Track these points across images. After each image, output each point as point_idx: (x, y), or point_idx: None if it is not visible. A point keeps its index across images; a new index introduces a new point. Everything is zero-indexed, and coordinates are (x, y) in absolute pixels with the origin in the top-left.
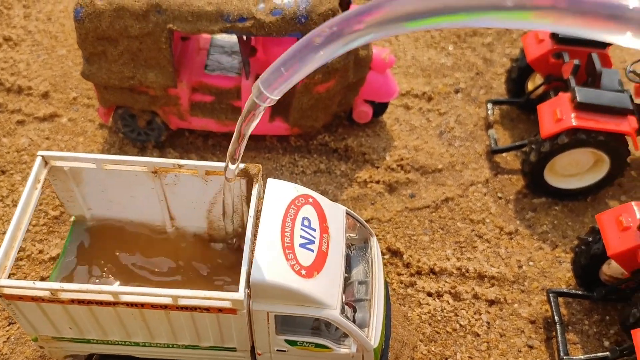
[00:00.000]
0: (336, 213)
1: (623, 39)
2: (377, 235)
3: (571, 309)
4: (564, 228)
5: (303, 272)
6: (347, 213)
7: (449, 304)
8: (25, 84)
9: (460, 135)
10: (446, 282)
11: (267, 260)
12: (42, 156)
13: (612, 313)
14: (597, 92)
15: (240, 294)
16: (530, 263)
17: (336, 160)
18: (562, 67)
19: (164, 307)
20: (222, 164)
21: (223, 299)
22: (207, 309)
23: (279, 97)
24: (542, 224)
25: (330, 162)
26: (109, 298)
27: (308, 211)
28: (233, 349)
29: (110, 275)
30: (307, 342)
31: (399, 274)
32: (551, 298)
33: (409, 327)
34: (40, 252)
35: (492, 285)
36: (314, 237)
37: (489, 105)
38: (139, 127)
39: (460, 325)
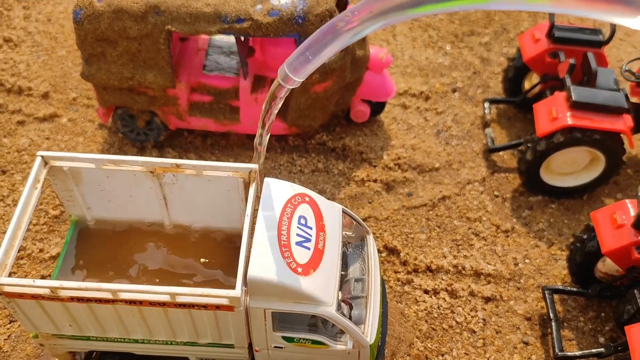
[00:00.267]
0: (332, 212)
1: (633, 22)
2: (374, 234)
3: (567, 306)
4: (559, 226)
5: (299, 269)
6: (344, 211)
7: (445, 301)
8: (26, 85)
9: (457, 134)
10: (443, 279)
11: (264, 258)
12: (42, 156)
13: (607, 310)
14: (592, 91)
15: (237, 291)
16: (526, 260)
17: (334, 159)
18: (558, 67)
19: (162, 304)
20: (220, 164)
21: (220, 296)
22: (205, 306)
23: (302, 80)
24: (538, 222)
25: (328, 161)
26: (107, 296)
27: (305, 210)
28: (231, 346)
29: (110, 274)
30: (303, 339)
31: (396, 272)
32: (546, 295)
33: (406, 324)
34: (41, 250)
35: (488, 282)
36: (311, 235)
37: (486, 104)
38: (138, 127)
39: (457, 322)
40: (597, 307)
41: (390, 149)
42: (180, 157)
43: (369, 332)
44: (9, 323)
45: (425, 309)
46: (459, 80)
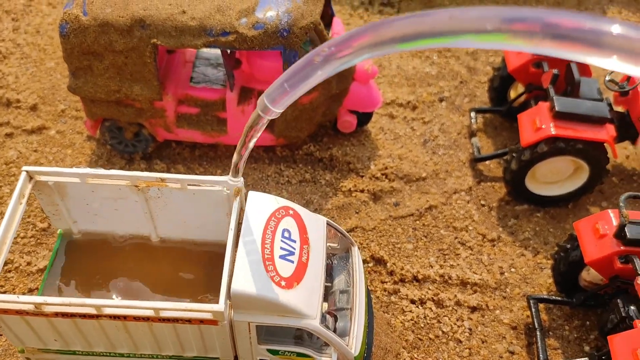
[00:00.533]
0: (317, 224)
1: (608, 62)
2: (361, 244)
3: (552, 315)
4: (545, 234)
5: (283, 283)
6: (328, 224)
7: (431, 310)
8: (14, 97)
9: (444, 143)
10: (429, 289)
11: (247, 272)
12: (27, 171)
13: (593, 318)
14: (575, 102)
15: (221, 305)
16: (512, 269)
17: (321, 169)
18: (542, 77)
19: (147, 319)
20: (204, 177)
21: (204, 310)
22: (189, 321)
23: (281, 111)
24: (524, 231)
25: (316, 171)
26: (92, 311)
27: (288, 223)
28: (217, 359)
29: (98, 288)
30: (289, 352)
31: (382, 282)
32: (532, 304)
33: (392, 334)
34: (29, 264)
35: (475, 292)
36: (294, 249)
37: (472, 114)
38: (126, 139)
39: (443, 332)
40: (583, 315)
41: (378, 158)
42: (169, 169)
43: (354, 344)
44: None
45: (411, 319)
46: (445, 89)
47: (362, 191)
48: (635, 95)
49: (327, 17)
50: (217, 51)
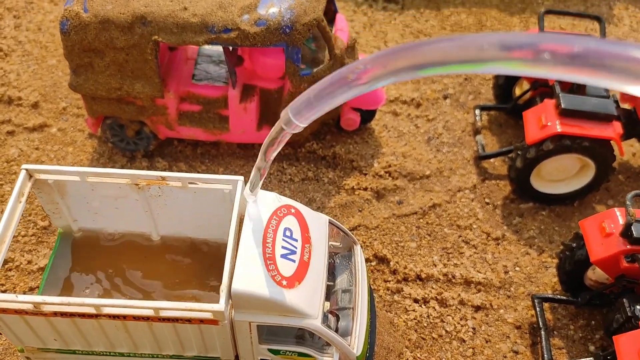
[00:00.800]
0: (319, 223)
1: None
2: (364, 243)
3: (557, 314)
4: (550, 233)
5: (284, 282)
6: (330, 222)
7: (435, 310)
8: (16, 95)
9: (448, 141)
10: (433, 288)
11: (248, 271)
12: (26, 169)
13: (598, 318)
14: (581, 99)
15: (221, 305)
16: (517, 268)
17: (324, 167)
18: None
19: (146, 318)
20: (205, 176)
21: (204, 310)
22: (189, 320)
23: (305, 126)
24: (529, 229)
25: (318, 169)
26: (91, 310)
27: (290, 222)
28: (217, 359)
29: (98, 286)
30: (290, 351)
31: (385, 281)
32: (536, 303)
33: (395, 333)
34: (29, 262)
35: (479, 291)
36: (296, 248)
37: (477, 111)
38: (128, 136)
39: (446, 332)
40: (588, 315)
41: (381, 156)
42: (170, 167)
43: (356, 344)
44: None
45: (414, 318)
46: (450, 86)
47: (365, 189)
48: None
49: (330, 13)
50: (219, 48)
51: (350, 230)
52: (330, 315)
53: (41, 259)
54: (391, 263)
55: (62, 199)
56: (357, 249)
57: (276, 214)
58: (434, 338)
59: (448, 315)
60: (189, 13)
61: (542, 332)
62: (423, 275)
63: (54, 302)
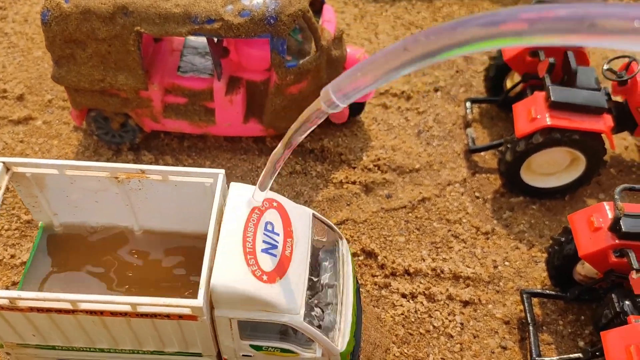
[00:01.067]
0: (302, 216)
1: None
2: (351, 237)
3: (546, 309)
4: (540, 227)
5: (264, 277)
6: (314, 216)
7: (423, 305)
8: (0, 87)
9: (439, 134)
10: (421, 283)
11: (228, 266)
12: (4, 162)
13: (587, 313)
14: (571, 91)
15: (200, 300)
16: (506, 263)
17: (312, 160)
18: (538, 65)
19: (124, 314)
20: (186, 169)
21: (182, 305)
22: (168, 316)
23: (345, 105)
24: (519, 224)
25: (306, 162)
26: (67, 306)
27: (272, 215)
28: (199, 354)
29: (79, 281)
30: (272, 347)
31: (373, 276)
32: (525, 298)
33: (382, 329)
34: (12, 256)
35: (467, 285)
36: (277, 242)
37: (468, 104)
38: (113, 129)
39: (434, 327)
40: (577, 310)
41: (370, 149)
42: (157, 160)
43: (340, 340)
44: None
45: (402, 314)
46: (441, 79)
47: (353, 183)
48: (634, 84)
49: (318, 3)
50: (205, 39)
51: (338, 225)
52: (313, 311)
53: (24, 253)
54: (379, 257)
55: (41, 192)
56: (343, 244)
57: (257, 207)
58: (421, 333)
59: (436, 310)
60: (171, 3)
61: (531, 328)
62: (411, 270)
63: (29, 297)
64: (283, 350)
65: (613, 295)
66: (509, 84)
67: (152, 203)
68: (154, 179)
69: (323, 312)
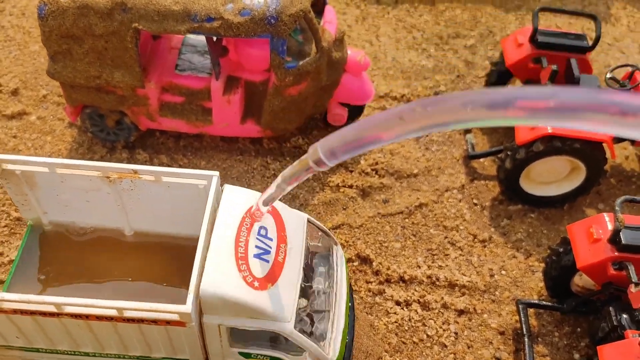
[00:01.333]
0: (297, 221)
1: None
2: (347, 242)
3: (542, 320)
4: (538, 236)
5: (256, 283)
6: (309, 221)
7: (417, 313)
8: None
9: (438, 139)
10: (415, 290)
11: (218, 272)
12: None
13: (584, 325)
14: None
15: (188, 306)
16: (503, 272)
17: None
18: (541, 73)
19: (110, 318)
20: (179, 170)
21: (170, 311)
22: (155, 321)
23: (333, 165)
24: (517, 232)
25: None
26: (52, 309)
27: (265, 220)
28: None
29: (67, 282)
30: (261, 355)
31: (367, 282)
32: (520, 309)
33: (375, 337)
34: (0, 254)
35: (463, 294)
36: (270, 247)
37: None
38: (108, 127)
39: (428, 336)
40: (573, 322)
41: (368, 153)
42: (151, 159)
43: (332, 348)
44: None
45: (395, 321)
46: (442, 83)
47: (350, 187)
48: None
49: (319, 4)
50: (204, 38)
51: (333, 229)
52: (304, 319)
53: (13, 251)
54: (374, 264)
55: (30, 190)
56: (337, 250)
57: (251, 211)
58: (414, 342)
59: (430, 318)
60: (170, 0)
61: (526, 339)
62: (406, 277)
63: (12, 299)
64: (273, 359)
65: (610, 309)
66: None
67: (144, 204)
68: (146, 179)
69: (315, 319)
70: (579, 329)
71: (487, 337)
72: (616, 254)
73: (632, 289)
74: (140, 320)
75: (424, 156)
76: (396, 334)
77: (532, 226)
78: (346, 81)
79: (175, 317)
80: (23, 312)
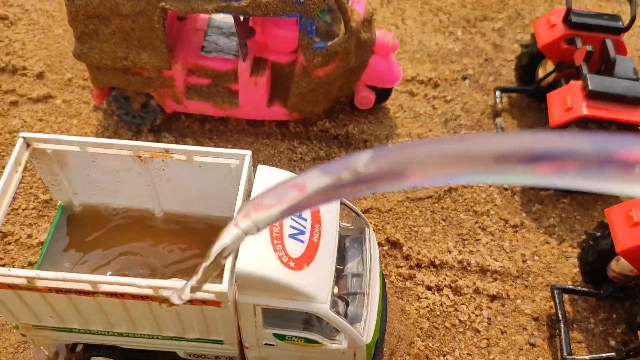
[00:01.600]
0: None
1: None
2: (376, 226)
3: (576, 307)
4: (571, 222)
5: (292, 264)
6: (342, 202)
7: (448, 298)
8: (20, 64)
9: (466, 123)
10: (447, 275)
11: (254, 251)
12: (24, 138)
13: (620, 311)
14: (610, 80)
15: (224, 286)
16: (535, 257)
17: (336, 147)
18: (575, 54)
19: (145, 297)
20: (211, 149)
21: (206, 291)
22: (191, 301)
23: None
24: (549, 217)
25: (330, 149)
26: (87, 287)
27: None
28: (220, 342)
29: (99, 263)
30: (296, 337)
31: (397, 267)
32: (555, 294)
33: (407, 321)
34: (29, 236)
35: (495, 279)
36: (305, 228)
37: (497, 93)
38: (134, 109)
39: (460, 321)
40: (609, 308)
41: (396, 137)
42: (177, 142)
43: (366, 331)
44: None
45: (427, 306)
46: (469, 67)
47: None
48: None
49: None
50: (230, 20)
51: (362, 213)
52: (339, 301)
53: (41, 233)
54: (404, 248)
55: (61, 170)
56: (369, 232)
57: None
58: (446, 327)
59: (462, 304)
60: None
61: (562, 325)
62: (437, 262)
63: (48, 277)
64: (307, 341)
65: None
66: (540, 73)
67: (176, 184)
68: (178, 159)
69: (348, 302)
70: (614, 316)
71: (520, 323)
72: None
73: None
74: None
75: None
76: (428, 319)
77: (565, 211)
78: (374, 63)
79: (211, 296)
80: (58, 290)
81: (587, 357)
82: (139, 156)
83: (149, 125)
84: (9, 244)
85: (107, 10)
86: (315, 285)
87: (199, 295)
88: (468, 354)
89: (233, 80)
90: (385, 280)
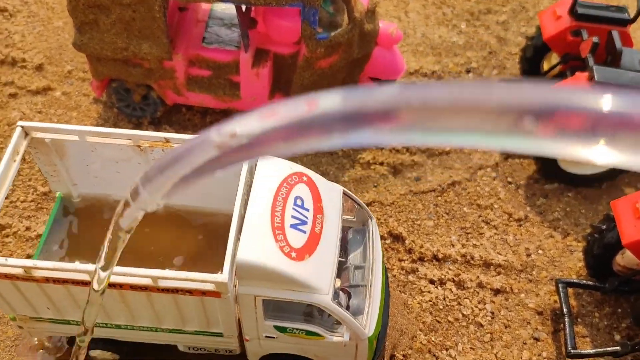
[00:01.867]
0: (332, 193)
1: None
2: (378, 219)
3: (581, 301)
4: (576, 216)
5: (293, 254)
6: (345, 193)
7: (451, 292)
8: (20, 56)
9: None
10: (450, 269)
11: (255, 241)
12: (22, 127)
13: (625, 305)
14: (616, 72)
15: (224, 276)
16: (540, 251)
17: None
18: (580, 45)
19: (144, 288)
20: None
21: (206, 280)
22: (190, 292)
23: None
24: (554, 211)
25: None
26: (85, 277)
27: (301, 190)
28: (219, 334)
29: (96, 255)
30: (297, 329)
31: (400, 260)
32: (560, 288)
33: (409, 315)
34: (27, 229)
35: (498, 273)
36: (307, 218)
37: None
38: (134, 101)
39: (463, 315)
40: (614, 302)
41: None
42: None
43: (368, 324)
44: None
45: (430, 300)
46: (473, 60)
47: (381, 164)
48: None
49: None
50: (232, 11)
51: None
52: (341, 293)
53: (40, 225)
54: (407, 241)
55: (60, 160)
56: (372, 224)
57: (287, 181)
58: (449, 321)
59: (465, 298)
60: None
61: (566, 319)
62: (440, 256)
63: (45, 267)
64: (309, 333)
65: None
66: (545, 65)
67: None
68: None
69: (350, 294)
70: (619, 310)
71: (524, 317)
72: None
73: None
74: (175, 291)
75: None
76: (430, 313)
77: (570, 205)
78: (377, 55)
79: (211, 287)
80: (55, 280)
81: (591, 351)
82: (139, 146)
83: (149, 117)
84: (7, 236)
85: (108, 0)
86: (317, 276)
87: (198, 285)
88: (471, 348)
89: (234, 71)
90: (388, 273)
